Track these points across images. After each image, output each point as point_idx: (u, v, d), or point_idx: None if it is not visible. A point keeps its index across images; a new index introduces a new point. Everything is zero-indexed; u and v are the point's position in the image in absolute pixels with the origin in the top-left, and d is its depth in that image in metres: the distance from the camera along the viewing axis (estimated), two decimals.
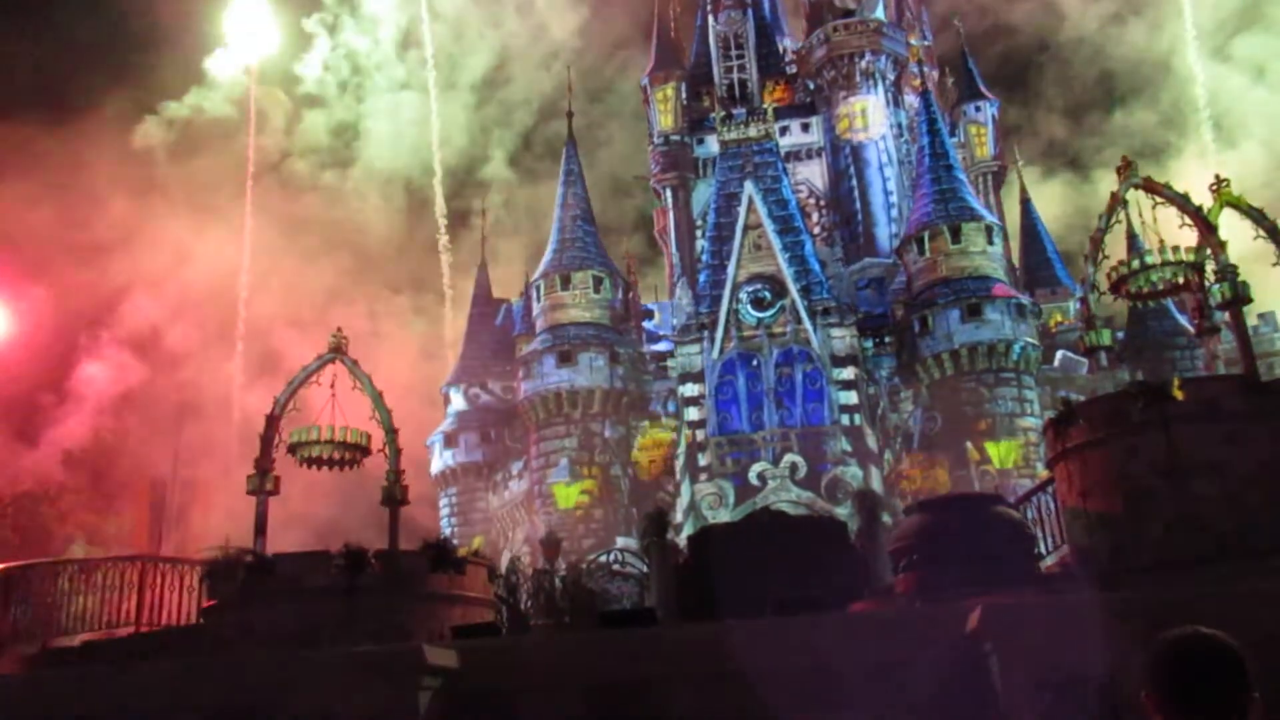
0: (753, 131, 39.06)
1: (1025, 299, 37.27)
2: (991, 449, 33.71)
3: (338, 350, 17.34)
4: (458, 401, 44.02)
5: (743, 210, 37.05)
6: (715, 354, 35.76)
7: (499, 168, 73.23)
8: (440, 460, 43.06)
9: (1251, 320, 31.74)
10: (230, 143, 62.82)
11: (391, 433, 16.84)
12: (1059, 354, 37.99)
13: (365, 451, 16.89)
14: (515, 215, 70.44)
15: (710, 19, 49.55)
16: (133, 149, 58.24)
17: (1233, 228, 15.61)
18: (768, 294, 36.02)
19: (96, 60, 57.65)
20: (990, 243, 36.95)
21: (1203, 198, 15.38)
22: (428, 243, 67.39)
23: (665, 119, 46.89)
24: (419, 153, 68.69)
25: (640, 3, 51.27)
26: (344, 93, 69.28)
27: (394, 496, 16.25)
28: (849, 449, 34.26)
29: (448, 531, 41.21)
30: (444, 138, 69.57)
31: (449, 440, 43.14)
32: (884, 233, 43.71)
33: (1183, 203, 14.96)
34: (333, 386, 17.26)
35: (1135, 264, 15.49)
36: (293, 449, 16.69)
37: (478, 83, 72.76)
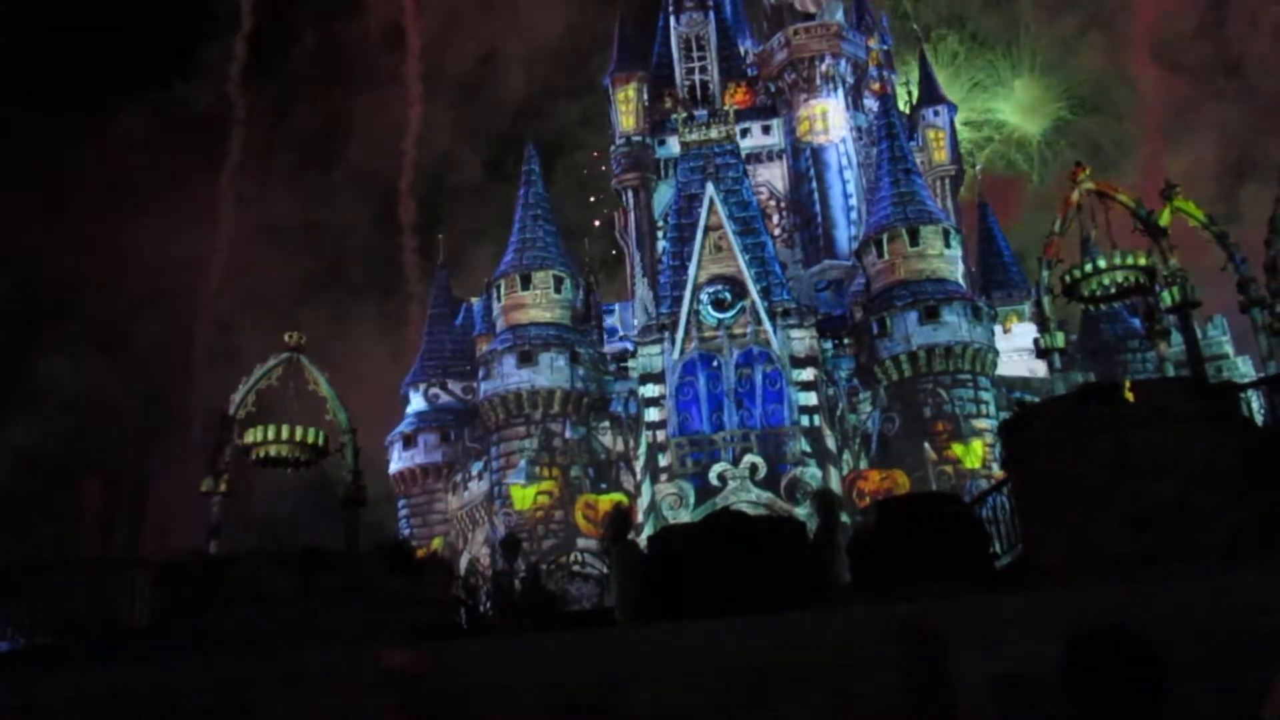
0: (714, 133, 39.19)
1: (981, 301, 37.74)
2: (959, 450, 34.05)
3: (295, 349, 17.15)
4: (417, 402, 43.74)
5: (704, 211, 37.15)
6: (676, 355, 35.82)
7: (474, 169, 72.80)
8: (399, 461, 42.73)
9: (1200, 324, 32.37)
10: (211, 134, 61.86)
11: (350, 432, 16.68)
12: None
13: (322, 452, 16.71)
14: (486, 217, 70.15)
15: (672, 20, 49.65)
16: (110, 137, 57.11)
17: (1185, 233, 15.92)
18: (728, 295, 36.14)
19: (76, 46, 56.45)
20: (948, 246, 37.36)
21: (1156, 203, 15.68)
22: (398, 245, 66.97)
23: (627, 120, 46.87)
24: (397, 157, 68.21)
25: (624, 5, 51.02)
26: (329, 87, 68.43)
27: (352, 497, 16.11)
28: (808, 450, 34.47)
29: (406, 532, 40.96)
30: (421, 138, 69.07)
31: (408, 441, 42.83)
32: (843, 235, 44.04)
33: (1133, 208, 15.23)
34: (290, 385, 17.07)
35: (1088, 268, 15.73)
36: (247, 449, 16.48)
37: (460, 78, 72.17)
